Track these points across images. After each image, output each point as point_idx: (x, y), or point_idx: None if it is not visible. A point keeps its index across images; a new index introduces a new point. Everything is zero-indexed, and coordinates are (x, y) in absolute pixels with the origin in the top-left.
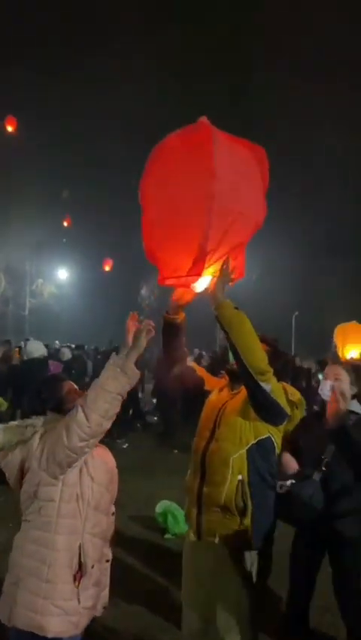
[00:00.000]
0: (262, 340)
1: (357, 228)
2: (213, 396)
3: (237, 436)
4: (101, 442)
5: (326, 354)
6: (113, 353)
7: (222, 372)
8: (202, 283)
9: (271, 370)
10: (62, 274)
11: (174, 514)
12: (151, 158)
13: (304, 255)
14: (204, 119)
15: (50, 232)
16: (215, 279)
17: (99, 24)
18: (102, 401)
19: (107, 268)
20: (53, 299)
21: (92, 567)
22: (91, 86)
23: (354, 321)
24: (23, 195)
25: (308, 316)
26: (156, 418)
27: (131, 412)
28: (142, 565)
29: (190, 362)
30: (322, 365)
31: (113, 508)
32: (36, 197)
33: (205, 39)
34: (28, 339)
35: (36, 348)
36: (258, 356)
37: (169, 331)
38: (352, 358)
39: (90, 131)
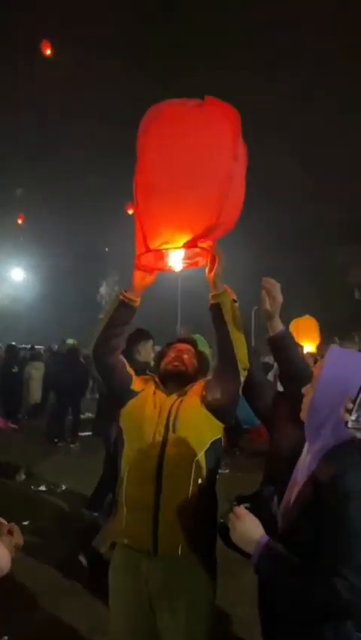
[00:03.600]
0: None
1: (314, 224)
2: (146, 398)
3: (197, 438)
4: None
5: None
6: None
7: (149, 372)
8: (179, 261)
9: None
10: (18, 274)
11: None
12: (155, 118)
13: (264, 248)
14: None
15: (4, 231)
16: (213, 265)
17: None
18: None
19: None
20: (8, 300)
21: None
22: None
23: (307, 315)
24: None
25: None
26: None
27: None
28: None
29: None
30: None
31: None
32: None
33: None
34: None
35: None
36: (245, 351)
37: (121, 314)
38: (308, 352)
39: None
